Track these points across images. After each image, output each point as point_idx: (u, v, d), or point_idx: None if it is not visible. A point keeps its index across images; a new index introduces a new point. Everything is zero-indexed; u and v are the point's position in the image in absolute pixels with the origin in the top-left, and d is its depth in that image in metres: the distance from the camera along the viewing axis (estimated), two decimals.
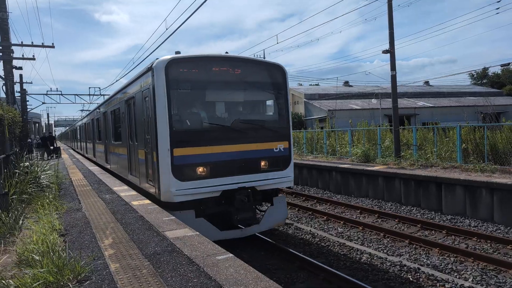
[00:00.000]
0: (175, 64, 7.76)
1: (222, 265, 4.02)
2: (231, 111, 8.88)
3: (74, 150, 39.69)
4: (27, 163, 9.90)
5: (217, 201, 8.20)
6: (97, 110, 18.57)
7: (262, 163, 8.42)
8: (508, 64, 47.15)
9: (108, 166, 15.16)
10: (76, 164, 19.39)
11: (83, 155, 27.30)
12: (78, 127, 33.86)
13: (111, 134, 14.03)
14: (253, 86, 9.00)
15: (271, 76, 9.10)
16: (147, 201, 8.00)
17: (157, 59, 7.81)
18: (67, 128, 78.34)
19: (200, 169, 7.74)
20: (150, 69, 7.93)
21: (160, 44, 16.80)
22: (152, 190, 8.22)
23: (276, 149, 8.65)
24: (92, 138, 21.23)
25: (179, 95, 7.93)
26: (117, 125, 12.85)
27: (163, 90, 7.51)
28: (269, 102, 9.44)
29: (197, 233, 5.35)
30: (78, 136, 33.01)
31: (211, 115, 8.55)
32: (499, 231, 10.09)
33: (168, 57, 7.75)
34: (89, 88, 63.81)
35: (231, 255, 4.34)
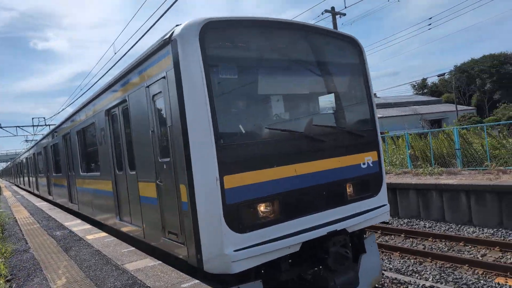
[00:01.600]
0: (215, 31, 4.60)
1: None
2: (300, 109, 5.98)
3: (18, 186, 36.84)
4: None
5: (295, 258, 5.14)
6: (52, 134, 14.72)
7: (349, 188, 5.44)
8: (444, 74, 51.60)
9: (74, 207, 11.65)
10: (21, 201, 17.94)
11: (31, 193, 24.30)
12: (24, 160, 29.56)
13: (78, 163, 10.36)
14: (329, 69, 5.91)
15: (349, 55, 6.10)
16: (104, 234, 7.53)
17: (177, 25, 4.66)
18: (9, 163, 72.64)
19: (265, 208, 4.61)
20: (167, 42, 4.71)
21: (109, 70, 16.29)
22: (181, 252, 4.85)
23: (364, 164, 5.68)
24: (45, 171, 17.19)
25: (224, 83, 4.80)
26: (89, 150, 9.55)
27: (199, 72, 4.35)
28: (348, 93, 6.27)
29: (160, 262, 5.10)
30: (25, 170, 28.96)
31: (275, 117, 5.46)
32: (451, 229, 10.69)
33: (201, 18, 4.53)
34: (33, 118, 59.91)
35: (197, 281, 4.18)
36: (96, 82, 46.97)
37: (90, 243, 6.72)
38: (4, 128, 39.92)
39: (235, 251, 4.19)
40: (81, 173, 10.16)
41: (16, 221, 10.63)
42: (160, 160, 5.21)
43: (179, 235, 4.84)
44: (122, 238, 7.01)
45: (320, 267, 5.35)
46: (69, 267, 5.33)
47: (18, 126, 42.20)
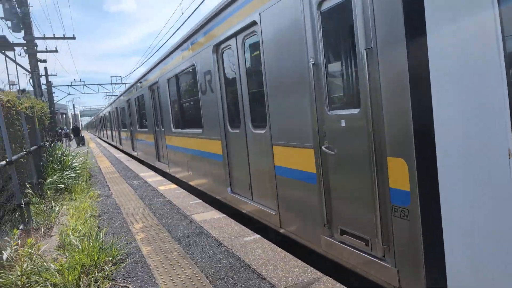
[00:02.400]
0: None
1: (250, 246, 4.10)
2: None
3: (100, 138, 40.76)
4: (59, 153, 10.30)
5: None
6: (136, 86, 12.83)
7: None
8: None
9: (163, 166, 10.14)
10: (104, 152, 19.99)
11: (114, 147, 23.72)
12: (107, 114, 27.68)
13: (169, 118, 8.76)
14: None
15: None
16: (174, 186, 8.19)
17: None
18: (92, 117, 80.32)
19: None
20: None
21: (177, 30, 16.72)
22: (382, 273, 2.99)
23: None
24: (130, 125, 15.52)
25: None
26: (184, 101, 7.98)
27: None
28: None
29: (224, 215, 5.45)
30: (108, 124, 27.95)
31: None
32: None
33: None
34: (111, 77, 65.21)
35: (258, 236, 4.42)
36: (164, 43, 48.77)
37: (162, 193, 7.37)
38: (88, 86, 44.07)
39: None
40: (173, 130, 8.66)
41: (100, 170, 11.97)
42: (330, 113, 3.35)
43: (375, 244, 3.01)
44: (195, 193, 7.10)
45: None
46: (145, 213, 5.95)
47: (99, 84, 46.36)
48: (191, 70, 6.94)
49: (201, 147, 6.84)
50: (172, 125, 8.70)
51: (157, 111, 10.22)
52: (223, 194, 6.03)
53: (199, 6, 12.67)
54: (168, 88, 8.71)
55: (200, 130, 6.70)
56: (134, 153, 15.50)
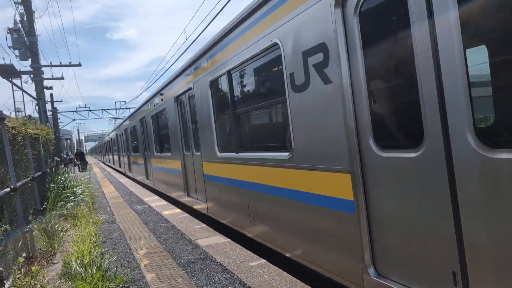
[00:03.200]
0: None
1: (256, 271, 4.02)
2: None
3: (104, 163, 40.87)
4: (63, 178, 10.33)
5: None
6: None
7: None
8: None
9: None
10: (108, 177, 20.00)
11: (116, 170, 24.32)
12: (110, 139, 27.83)
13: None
14: None
15: None
16: (178, 210, 8.13)
17: None
18: (97, 142, 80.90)
19: None
20: None
21: (181, 55, 17.06)
22: None
23: None
24: (142, 149, 13.24)
25: None
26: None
27: None
28: None
29: (229, 239, 5.38)
30: (112, 149, 27.17)
31: None
32: None
33: None
34: (115, 102, 66.24)
35: (264, 260, 4.34)
36: (169, 67, 49.82)
37: (167, 218, 7.31)
38: (92, 111, 44.62)
39: None
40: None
41: (104, 195, 11.94)
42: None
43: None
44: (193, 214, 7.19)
45: None
46: (149, 239, 5.88)
47: (104, 109, 46.88)
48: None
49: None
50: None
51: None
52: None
53: (200, 33, 12.99)
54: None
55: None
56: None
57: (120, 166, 21.01)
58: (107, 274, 3.99)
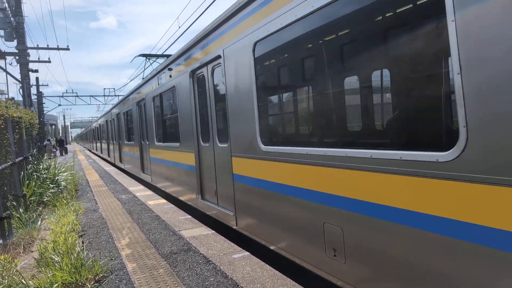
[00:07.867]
0: None
1: (239, 263, 3.98)
2: None
3: (90, 151, 40.25)
4: (45, 165, 10.08)
5: None
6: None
7: None
8: None
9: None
10: (92, 165, 19.69)
11: (103, 159, 22.80)
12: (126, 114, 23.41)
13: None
14: None
15: None
16: (163, 201, 8.03)
17: None
18: (83, 129, 79.50)
19: None
20: None
21: (173, 43, 16.82)
22: None
23: None
24: (138, 139, 11.82)
25: None
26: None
27: None
28: None
29: (213, 231, 5.33)
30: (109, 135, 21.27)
31: None
32: None
33: None
34: (104, 89, 65.11)
35: (247, 253, 4.30)
36: (161, 54, 49.04)
37: (151, 208, 7.21)
38: (80, 97, 43.78)
39: None
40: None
41: (88, 183, 11.73)
42: None
43: None
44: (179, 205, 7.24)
45: None
46: (132, 229, 5.79)
47: (92, 96, 46.05)
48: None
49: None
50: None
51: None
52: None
53: (193, 22, 12.78)
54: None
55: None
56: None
57: (109, 155, 19.29)
58: (87, 263, 3.89)
